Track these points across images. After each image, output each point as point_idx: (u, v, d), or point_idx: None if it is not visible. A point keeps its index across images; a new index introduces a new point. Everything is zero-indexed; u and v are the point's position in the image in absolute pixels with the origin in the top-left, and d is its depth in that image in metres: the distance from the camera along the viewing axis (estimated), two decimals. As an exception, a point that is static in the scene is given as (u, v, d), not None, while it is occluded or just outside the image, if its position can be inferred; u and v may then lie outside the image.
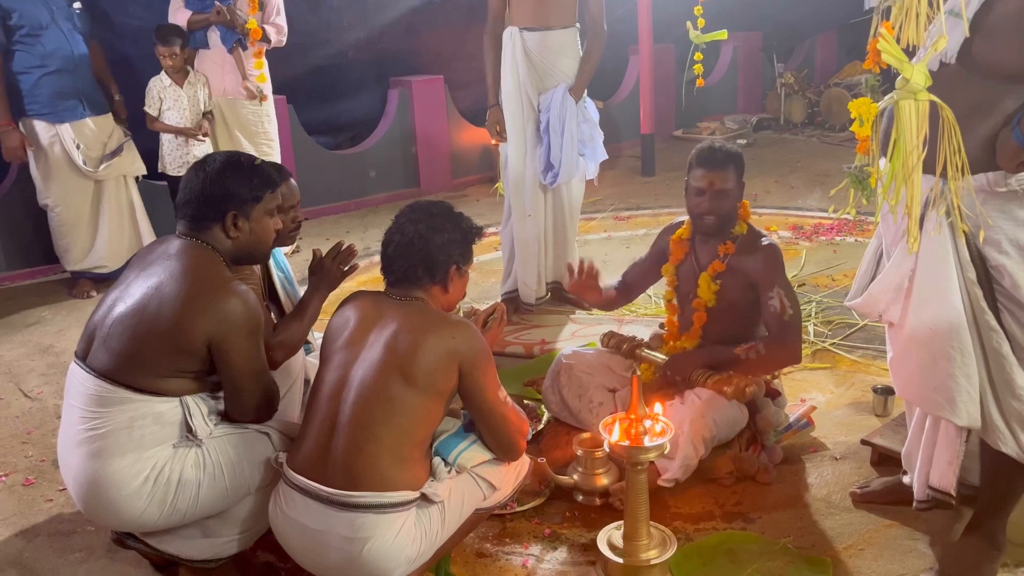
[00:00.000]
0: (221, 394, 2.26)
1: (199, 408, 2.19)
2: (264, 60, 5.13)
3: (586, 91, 4.16)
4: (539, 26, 4.03)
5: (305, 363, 2.80)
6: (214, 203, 2.24)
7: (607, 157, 4.35)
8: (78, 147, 4.70)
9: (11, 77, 4.55)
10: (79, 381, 2.17)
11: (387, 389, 2.06)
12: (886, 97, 1.87)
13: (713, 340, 2.88)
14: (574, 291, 3.15)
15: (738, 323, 2.86)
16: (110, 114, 4.90)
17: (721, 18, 4.64)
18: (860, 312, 2.44)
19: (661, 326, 3.19)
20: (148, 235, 5.07)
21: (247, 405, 2.24)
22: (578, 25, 4.16)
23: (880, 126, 2.03)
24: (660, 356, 2.94)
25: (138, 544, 2.30)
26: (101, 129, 4.82)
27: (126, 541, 2.32)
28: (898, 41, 1.76)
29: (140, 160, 5.04)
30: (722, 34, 4.27)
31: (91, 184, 4.86)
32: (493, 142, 4.58)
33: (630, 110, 7.99)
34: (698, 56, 4.48)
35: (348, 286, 3.09)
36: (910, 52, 1.80)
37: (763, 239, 2.83)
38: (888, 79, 2.03)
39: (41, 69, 4.56)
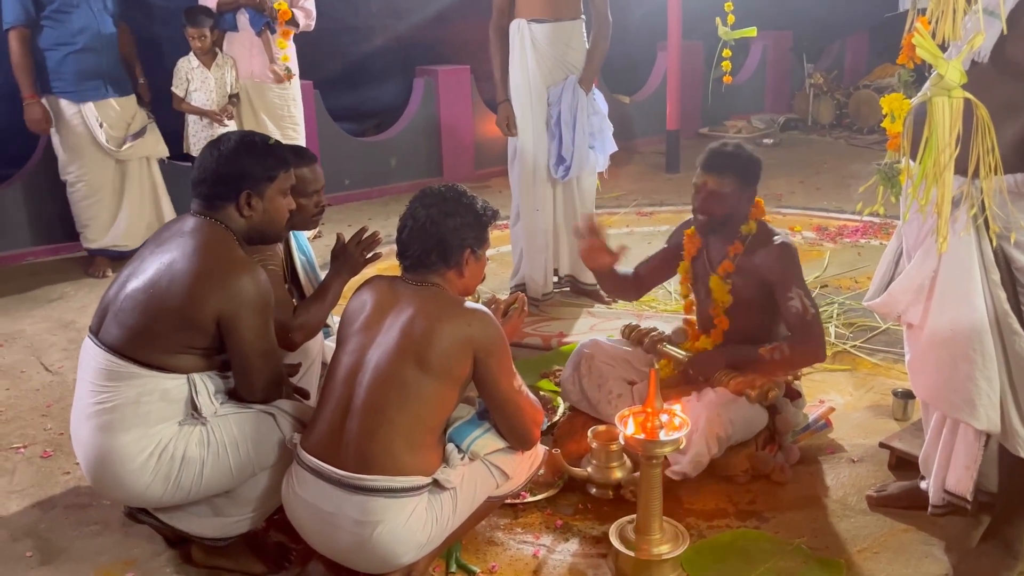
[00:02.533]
0: (229, 373, 2.27)
1: (205, 386, 2.20)
2: (290, 42, 5.15)
3: (594, 83, 4.14)
4: (547, 17, 4.01)
5: (323, 346, 2.81)
6: (228, 182, 2.24)
7: (617, 149, 4.34)
8: (101, 126, 4.74)
9: (37, 53, 4.57)
10: (91, 355, 2.20)
11: (402, 374, 2.06)
12: (919, 93, 1.85)
13: (732, 338, 2.86)
14: (585, 257, 3.01)
15: (755, 321, 2.83)
16: (133, 96, 4.92)
17: (751, 16, 4.60)
18: (879, 312, 2.42)
19: (686, 321, 3.17)
20: (170, 215, 5.12)
21: (255, 384, 2.25)
22: (583, 16, 4.14)
23: (909, 125, 2.01)
24: (680, 352, 2.92)
25: (151, 519, 2.32)
26: (124, 110, 4.86)
27: (139, 516, 2.34)
28: (933, 37, 1.73)
29: (163, 143, 5.08)
30: (751, 31, 4.24)
31: (112, 163, 4.88)
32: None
33: (656, 106, 7.95)
34: (726, 53, 4.44)
35: (369, 272, 3.09)
36: (943, 48, 1.77)
37: (776, 237, 2.78)
38: (922, 78, 2.00)
39: (68, 47, 4.58)
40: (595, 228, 2.94)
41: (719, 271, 2.83)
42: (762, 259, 2.76)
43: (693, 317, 3.05)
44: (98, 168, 4.84)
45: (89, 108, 4.69)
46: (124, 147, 4.85)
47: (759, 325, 2.84)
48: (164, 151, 5.10)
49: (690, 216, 3.08)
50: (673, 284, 4.38)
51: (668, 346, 2.96)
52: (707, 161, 2.79)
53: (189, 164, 5.15)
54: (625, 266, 3.10)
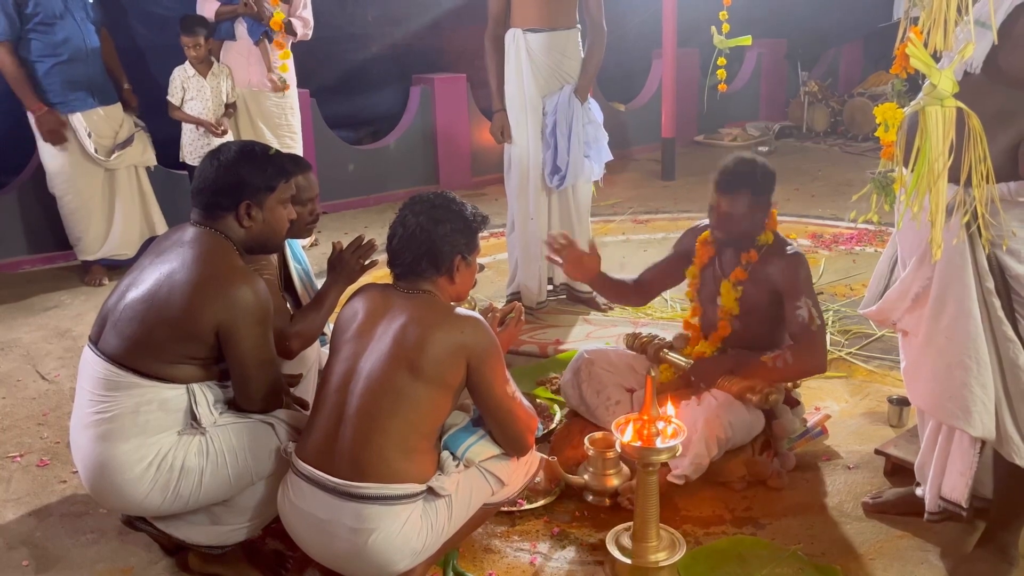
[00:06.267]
0: (228, 383, 2.27)
1: (204, 396, 2.20)
2: (289, 51, 5.16)
3: (590, 92, 4.16)
4: (542, 27, 4.02)
5: (320, 353, 2.81)
6: (228, 192, 2.24)
7: (612, 158, 4.35)
8: (89, 135, 4.71)
9: (24, 65, 4.53)
10: (90, 364, 2.20)
11: (394, 381, 2.06)
12: (912, 102, 1.86)
13: (735, 343, 2.87)
14: (571, 272, 3.04)
15: (759, 329, 2.85)
16: (119, 104, 4.90)
17: (746, 24, 4.61)
18: (874, 320, 2.43)
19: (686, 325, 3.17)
20: (160, 223, 5.11)
21: (255, 394, 2.25)
22: (579, 26, 4.15)
23: (903, 134, 2.02)
24: (683, 359, 2.93)
25: (148, 527, 2.33)
26: (111, 119, 4.83)
27: (136, 524, 2.34)
28: (925, 47, 1.75)
29: (151, 151, 5.05)
30: (746, 40, 4.25)
31: (101, 173, 4.86)
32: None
33: (652, 114, 7.97)
34: (721, 61, 4.46)
35: (364, 279, 3.10)
36: (936, 58, 1.79)
37: (788, 247, 2.81)
38: (915, 87, 2.02)
39: (54, 58, 4.55)
40: (565, 240, 2.96)
41: (731, 278, 2.84)
42: (775, 268, 2.77)
43: (695, 321, 3.05)
44: (87, 179, 4.81)
45: (77, 118, 4.65)
46: (112, 157, 4.82)
47: (761, 334, 2.85)
48: (152, 160, 5.06)
49: (698, 222, 3.08)
50: (670, 292, 4.40)
51: (671, 353, 2.97)
52: (720, 182, 2.77)
53: (185, 173, 5.17)
54: (627, 274, 3.11)
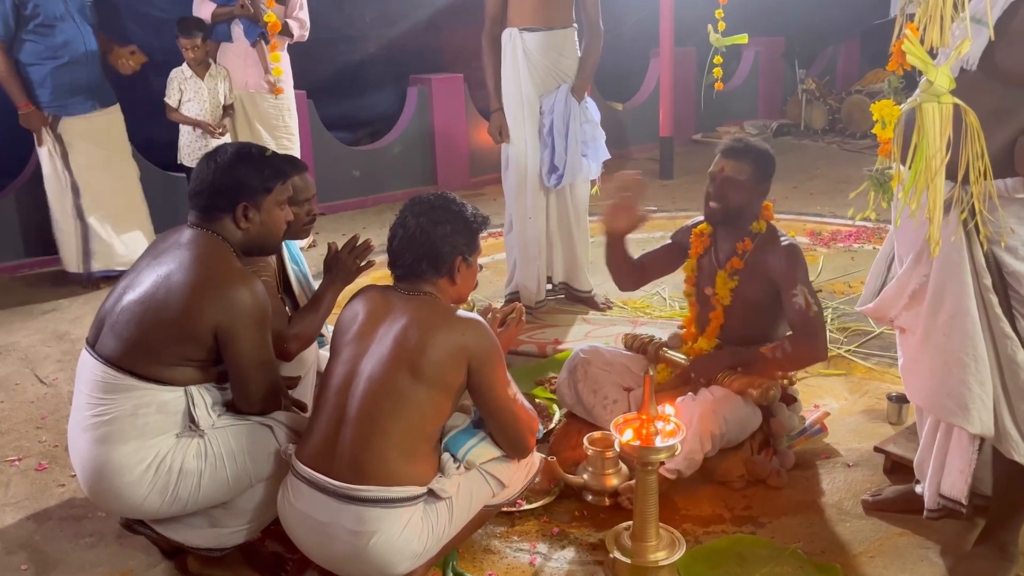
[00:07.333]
0: (226, 385, 2.27)
1: (203, 398, 2.20)
2: (281, 53, 5.15)
3: (587, 91, 4.16)
4: (539, 26, 4.02)
5: (318, 355, 2.81)
6: (225, 194, 2.24)
7: (609, 156, 4.35)
8: (66, 154, 4.65)
9: (21, 69, 4.52)
10: (88, 367, 2.19)
11: (395, 383, 2.06)
12: (909, 99, 1.86)
13: (731, 338, 2.87)
14: (609, 214, 2.96)
15: (756, 321, 2.85)
16: (118, 105, 4.88)
17: (743, 22, 4.62)
18: (872, 317, 2.43)
19: (680, 327, 3.17)
20: (146, 225, 5.08)
21: (253, 396, 2.25)
22: (575, 25, 4.15)
23: (900, 131, 2.02)
24: (682, 357, 2.93)
25: (146, 530, 2.32)
26: (111, 120, 4.82)
27: (135, 527, 2.34)
28: (922, 43, 1.75)
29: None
30: (742, 38, 4.25)
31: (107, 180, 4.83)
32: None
33: (650, 113, 7.97)
34: (718, 60, 4.46)
35: (362, 281, 3.10)
36: (932, 55, 1.79)
37: (783, 239, 2.81)
38: (911, 84, 2.01)
39: (54, 61, 4.53)
40: (637, 186, 2.91)
41: (727, 268, 2.85)
42: (770, 257, 2.78)
43: (692, 316, 3.05)
44: (105, 187, 4.78)
45: (69, 124, 4.63)
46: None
47: (757, 326, 2.85)
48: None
49: (697, 218, 3.08)
50: (668, 291, 4.41)
51: (670, 352, 2.97)
52: (726, 149, 2.84)
53: (182, 175, 5.16)
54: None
